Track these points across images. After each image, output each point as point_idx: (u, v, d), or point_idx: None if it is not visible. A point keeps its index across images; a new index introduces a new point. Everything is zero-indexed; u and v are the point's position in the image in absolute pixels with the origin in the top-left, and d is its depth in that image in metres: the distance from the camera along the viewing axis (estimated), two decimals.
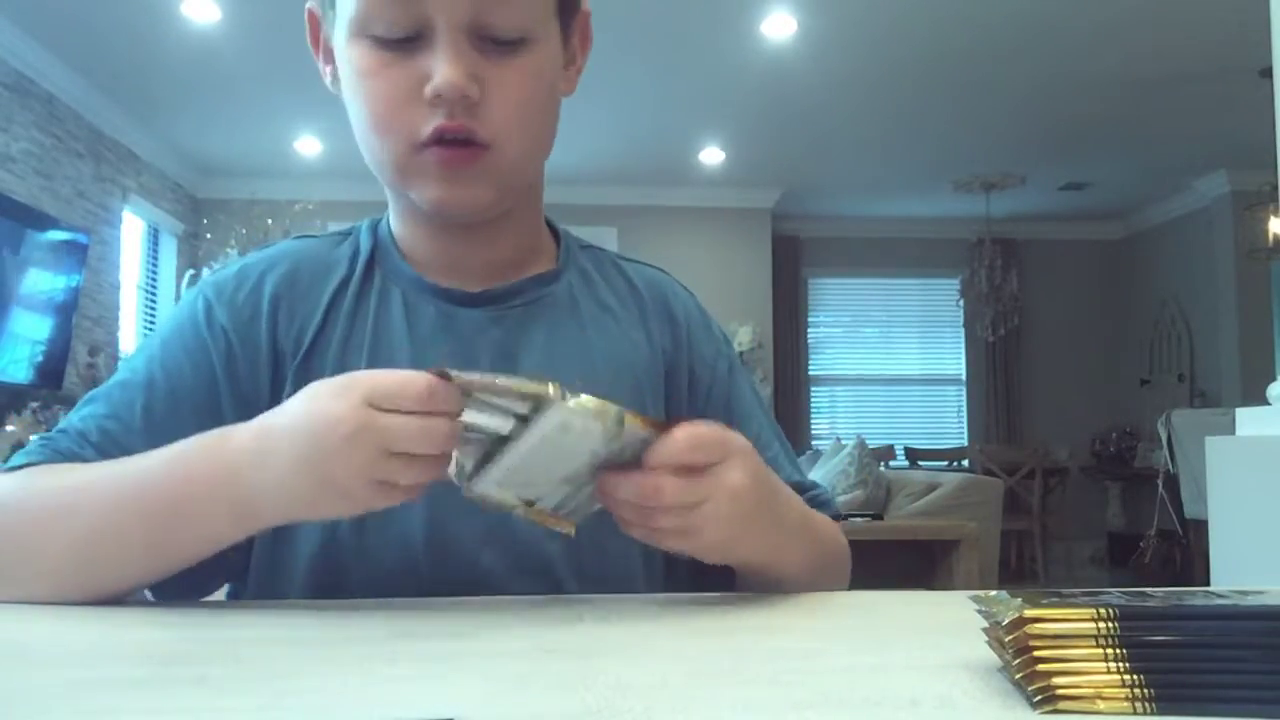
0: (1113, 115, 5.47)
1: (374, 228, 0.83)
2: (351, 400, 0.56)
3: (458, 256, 0.80)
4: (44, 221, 4.60)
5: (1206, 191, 6.67)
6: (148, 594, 0.67)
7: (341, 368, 0.73)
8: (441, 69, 0.69)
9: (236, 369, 0.75)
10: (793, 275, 7.66)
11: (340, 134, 6.73)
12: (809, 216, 7.56)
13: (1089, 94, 5.16)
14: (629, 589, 0.75)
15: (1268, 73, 2.39)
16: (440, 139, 0.70)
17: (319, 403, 0.58)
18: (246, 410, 0.69)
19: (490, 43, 0.70)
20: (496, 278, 0.81)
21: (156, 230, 6.22)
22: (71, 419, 0.73)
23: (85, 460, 0.69)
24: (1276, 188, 3.00)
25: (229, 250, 5.48)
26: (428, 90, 0.69)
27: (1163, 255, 7.38)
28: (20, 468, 0.69)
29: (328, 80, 0.80)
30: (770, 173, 6.69)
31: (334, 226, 0.87)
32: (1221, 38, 4.38)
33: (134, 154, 5.73)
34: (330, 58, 0.79)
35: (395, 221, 0.82)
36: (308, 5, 0.79)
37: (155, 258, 6.24)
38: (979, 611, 0.44)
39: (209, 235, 6.13)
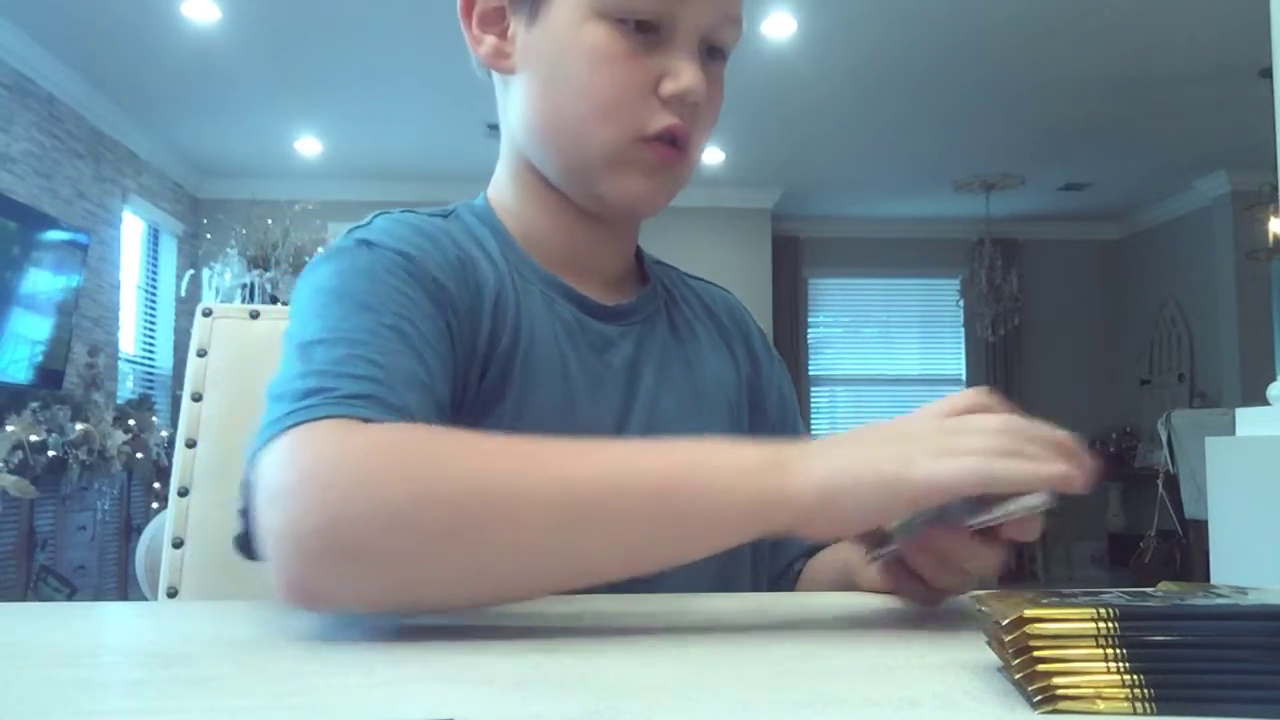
0: (1113, 115, 5.47)
1: (479, 215, 0.79)
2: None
3: (590, 259, 0.80)
4: (44, 221, 4.60)
5: (1206, 191, 6.67)
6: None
7: (508, 357, 0.71)
8: (688, 72, 0.70)
9: (457, 313, 0.69)
10: (793, 275, 7.66)
11: (340, 134, 6.74)
12: (809, 216, 7.56)
13: (1089, 94, 5.16)
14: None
15: (1268, 73, 2.39)
16: (661, 137, 0.71)
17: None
18: (464, 364, 0.68)
19: (706, 53, 0.73)
20: (614, 286, 0.81)
21: (156, 230, 6.22)
22: (350, 379, 0.58)
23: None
24: (1276, 188, 3.00)
25: (229, 250, 5.47)
26: (670, 88, 0.70)
27: (1163, 255, 7.38)
28: (334, 421, 0.55)
29: (482, 51, 0.76)
30: (770, 173, 6.69)
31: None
32: (1221, 38, 4.38)
33: (134, 154, 5.73)
34: (493, 27, 0.75)
35: (531, 215, 0.79)
36: None
37: (155, 258, 6.24)
38: (979, 611, 0.44)
39: (209, 235, 6.13)
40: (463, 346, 0.69)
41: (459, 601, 0.53)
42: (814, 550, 0.83)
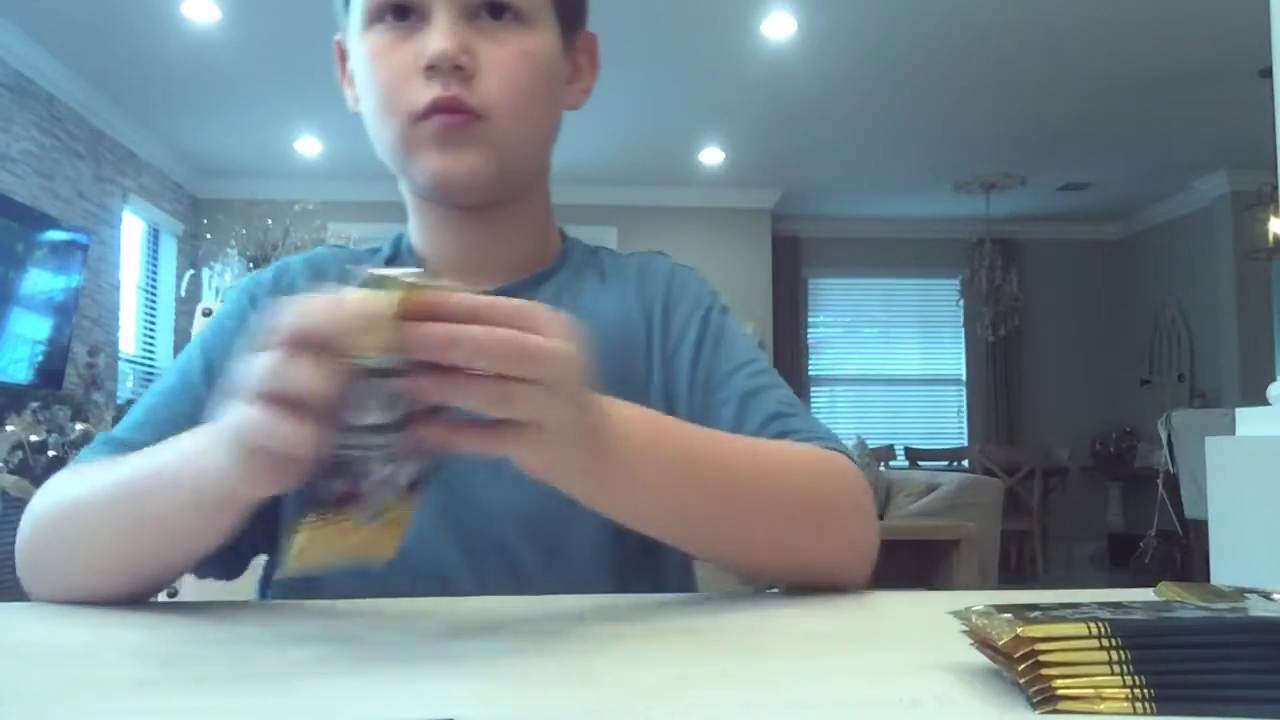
0: (1113, 115, 5.47)
1: (396, 241, 0.85)
2: None
3: (474, 256, 0.81)
4: (44, 221, 4.60)
5: (1206, 191, 6.67)
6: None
7: None
8: (434, 39, 0.71)
9: None
10: (793, 275, 7.66)
11: (340, 134, 6.74)
12: (809, 216, 7.56)
13: (1089, 94, 5.16)
14: (592, 565, 0.73)
15: (1268, 73, 2.39)
16: (436, 109, 0.71)
17: None
18: None
19: (485, 16, 0.73)
20: (511, 279, 0.80)
21: (156, 230, 6.22)
22: (121, 426, 0.75)
23: None
24: (1276, 188, 3.00)
25: (229, 250, 5.47)
26: (420, 61, 0.71)
27: (1163, 255, 7.38)
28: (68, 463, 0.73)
29: (350, 103, 0.82)
30: (770, 173, 6.69)
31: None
32: (1221, 38, 4.38)
33: (134, 154, 5.73)
34: (353, 81, 0.81)
35: (415, 227, 0.83)
36: (336, 38, 0.82)
37: (155, 258, 6.24)
38: (962, 631, 0.42)
39: (209, 235, 6.13)
40: None
41: (82, 593, 0.64)
42: None
